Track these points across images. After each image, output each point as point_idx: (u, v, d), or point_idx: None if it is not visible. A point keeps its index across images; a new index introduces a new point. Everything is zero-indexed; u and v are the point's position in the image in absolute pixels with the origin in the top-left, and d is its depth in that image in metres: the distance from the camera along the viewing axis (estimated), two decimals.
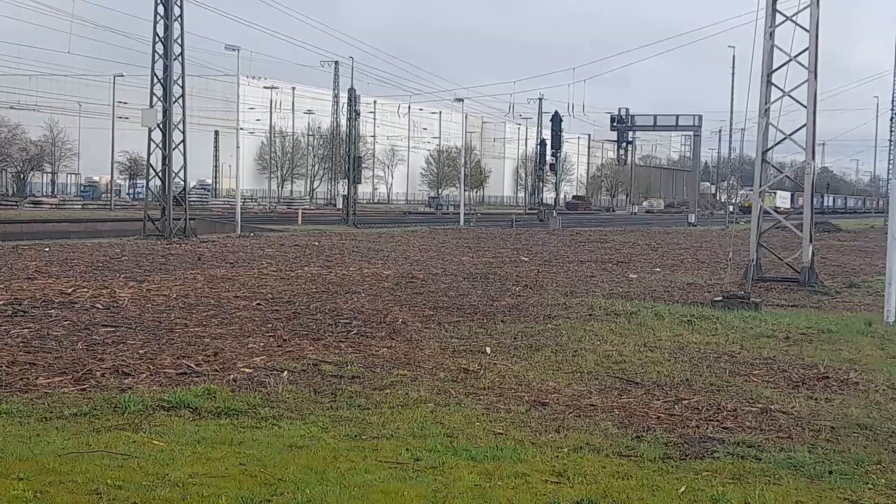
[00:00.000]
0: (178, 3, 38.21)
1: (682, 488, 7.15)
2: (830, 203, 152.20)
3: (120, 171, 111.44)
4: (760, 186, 25.04)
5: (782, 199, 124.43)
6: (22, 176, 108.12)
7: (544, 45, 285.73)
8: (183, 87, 38.71)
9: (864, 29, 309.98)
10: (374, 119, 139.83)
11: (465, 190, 77.17)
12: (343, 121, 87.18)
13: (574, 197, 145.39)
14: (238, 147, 54.02)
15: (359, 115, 68.07)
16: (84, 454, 7.56)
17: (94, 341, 12.69)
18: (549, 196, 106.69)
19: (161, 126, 38.51)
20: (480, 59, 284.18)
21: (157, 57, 38.27)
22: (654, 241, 45.03)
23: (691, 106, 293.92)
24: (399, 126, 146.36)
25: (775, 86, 24.37)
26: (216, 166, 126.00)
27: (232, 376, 10.59)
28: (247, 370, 10.98)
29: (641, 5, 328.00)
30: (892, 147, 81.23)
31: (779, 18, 24.37)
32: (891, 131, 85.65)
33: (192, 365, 11.17)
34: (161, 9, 38.02)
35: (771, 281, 24.01)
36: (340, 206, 78.47)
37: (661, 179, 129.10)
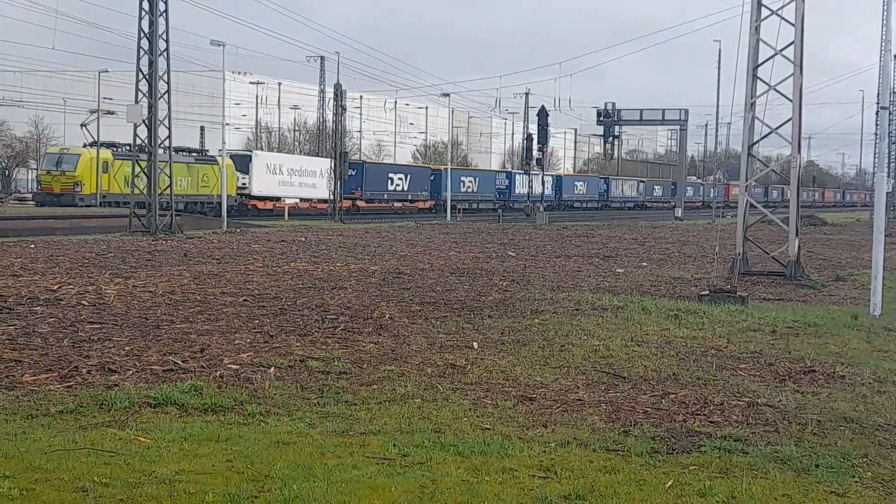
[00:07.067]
0: None
1: (670, 482, 7.16)
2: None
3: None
4: (747, 180, 25.09)
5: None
6: (7, 172, 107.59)
7: (530, 39, 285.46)
8: (168, 83, 38.56)
9: (851, 23, 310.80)
10: (361, 114, 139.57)
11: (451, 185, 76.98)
12: (329, 116, 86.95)
13: None
14: (224, 143, 53.90)
15: (345, 110, 67.89)
16: (70, 451, 7.53)
17: (80, 338, 12.64)
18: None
19: (146, 122, 38.39)
20: (465, 54, 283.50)
21: (142, 53, 38.13)
22: (641, 236, 45.12)
23: (678, 100, 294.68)
24: (385, 121, 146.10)
25: (761, 80, 24.43)
26: None
27: (219, 373, 10.56)
28: (233, 366, 10.95)
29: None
30: (877, 141, 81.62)
31: (764, 12, 24.43)
32: (876, 125, 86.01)
33: (179, 361, 11.14)
34: (146, 4, 37.88)
35: (757, 275, 24.07)
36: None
37: (648, 173, 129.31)
